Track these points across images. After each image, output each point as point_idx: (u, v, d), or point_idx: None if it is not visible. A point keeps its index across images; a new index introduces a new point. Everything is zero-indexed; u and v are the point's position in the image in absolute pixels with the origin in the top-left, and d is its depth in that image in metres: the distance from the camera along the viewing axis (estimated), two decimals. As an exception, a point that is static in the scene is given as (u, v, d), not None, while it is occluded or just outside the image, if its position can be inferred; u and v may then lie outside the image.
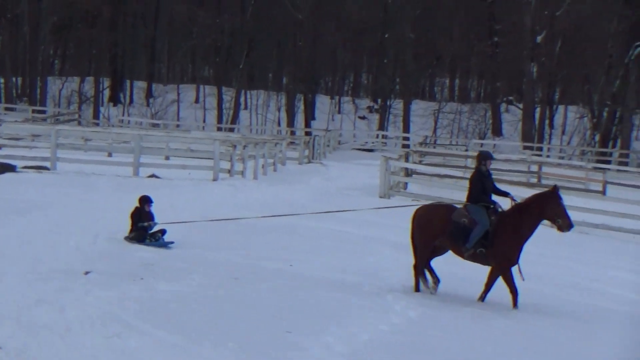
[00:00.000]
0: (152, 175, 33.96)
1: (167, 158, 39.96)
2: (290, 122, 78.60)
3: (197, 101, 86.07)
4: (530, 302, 16.62)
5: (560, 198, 15.94)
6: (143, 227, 18.36)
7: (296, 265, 18.14)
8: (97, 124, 70.54)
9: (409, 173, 41.25)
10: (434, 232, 16.30)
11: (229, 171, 35.57)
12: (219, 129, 73.28)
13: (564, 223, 15.88)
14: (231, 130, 73.09)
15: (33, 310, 12.28)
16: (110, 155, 39.88)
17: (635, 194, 44.27)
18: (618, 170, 53.89)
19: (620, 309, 16.71)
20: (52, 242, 17.78)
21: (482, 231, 15.77)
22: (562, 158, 70.02)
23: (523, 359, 12.45)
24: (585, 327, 15.28)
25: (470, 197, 16.40)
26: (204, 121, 79.54)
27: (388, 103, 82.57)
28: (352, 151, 68.77)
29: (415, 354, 11.99)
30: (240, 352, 11.11)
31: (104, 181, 30.84)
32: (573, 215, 32.97)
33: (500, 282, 15.99)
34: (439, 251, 16.75)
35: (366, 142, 75.85)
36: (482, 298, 16.17)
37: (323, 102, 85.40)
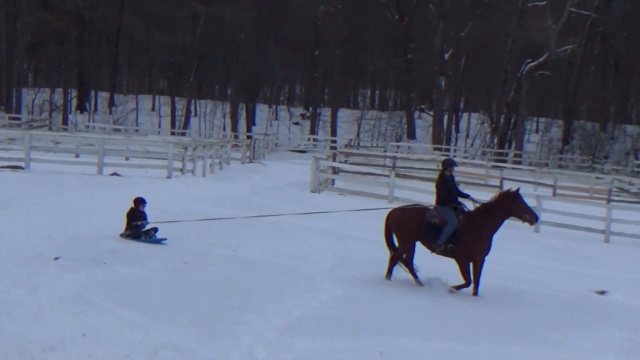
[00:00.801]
0: (114, 174, 33.62)
1: (127, 158, 39.57)
2: (234, 127, 78.45)
3: (153, 109, 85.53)
4: (443, 285, 16.77)
5: (521, 196, 16.03)
6: (137, 226, 18.07)
7: (240, 251, 18.12)
8: (66, 129, 69.62)
9: (336, 171, 41.34)
10: (411, 231, 16.24)
11: (181, 170, 35.35)
12: (173, 134, 72.75)
13: (531, 217, 16.00)
14: (183, 134, 72.64)
15: (9, 291, 12.15)
16: (77, 156, 39.40)
17: (527, 188, 44.82)
18: (513, 168, 54.54)
19: (517, 287, 16.92)
20: (27, 232, 17.57)
21: (451, 230, 15.80)
22: (467, 158, 70.55)
23: (433, 328, 12.53)
24: (488, 301, 15.47)
25: (438, 200, 16.37)
26: (159, 127, 78.97)
27: (318, 111, 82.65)
28: (288, 152, 68.75)
29: (340, 326, 12.04)
30: (191, 327, 11.09)
31: (72, 179, 30.47)
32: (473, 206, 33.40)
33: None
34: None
35: (299, 145, 75.86)
36: (475, 292, 15.94)
37: (262, 110, 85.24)
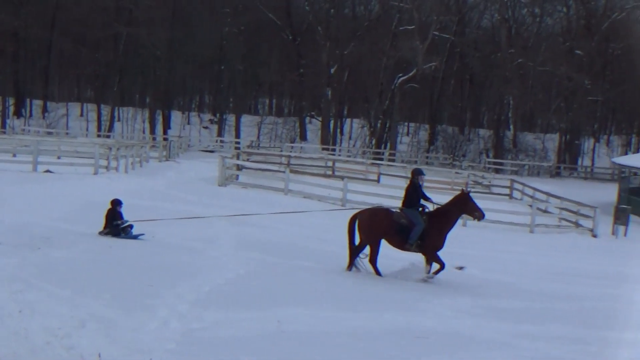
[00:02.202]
0: (47, 171, 32.89)
1: (58, 157, 38.68)
2: (152, 131, 77.53)
3: (81, 115, 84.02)
4: (330, 262, 16.89)
5: (472, 198, 16.15)
6: (117, 225, 17.52)
7: (157, 236, 17.94)
8: (4, 132, 67.64)
9: (239, 168, 41.22)
10: (381, 231, 15.83)
11: (106, 167, 34.82)
12: (99, 136, 71.39)
13: (479, 215, 16.06)
14: (108, 137, 71.29)
15: (-47, 274, 11.81)
16: (14, 155, 38.34)
17: (401, 182, 45.45)
18: (388, 165, 55.22)
19: (391, 264, 17.10)
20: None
21: (420, 230, 15.61)
22: (349, 156, 71.14)
23: (321, 299, 12.61)
24: (366, 277, 15.64)
25: (405, 203, 16.13)
26: (87, 130, 77.48)
27: (224, 117, 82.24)
28: (198, 152, 68.16)
29: (243, 299, 12.03)
30: (113, 301, 10.93)
31: (9, 175, 29.78)
32: (356, 197, 33.80)
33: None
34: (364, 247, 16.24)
35: (208, 145, 75.29)
36: (426, 279, 15.72)
37: (176, 116, 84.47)
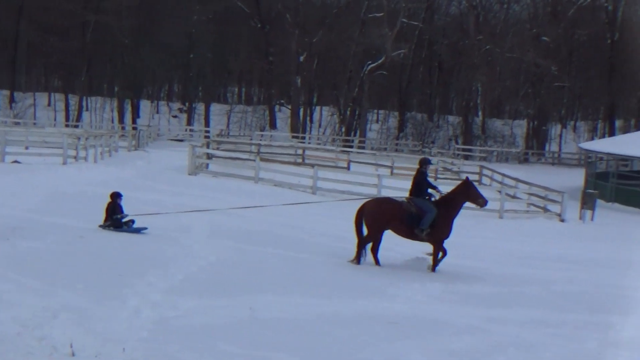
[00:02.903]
0: (15, 161, 32.58)
1: (26, 148, 38.27)
2: (121, 120, 76.96)
3: (49, 105, 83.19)
4: (302, 250, 16.91)
5: (474, 186, 16.50)
6: (118, 219, 17.29)
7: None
8: (-29, 123, 66.97)
9: (209, 157, 41.06)
10: (387, 220, 15.86)
11: (75, 157, 34.55)
12: (67, 126, 70.55)
13: (482, 201, 16.34)
14: (76, 126, 70.66)
15: None
16: (-19, 146, 37.97)
17: (369, 169, 45.67)
18: (358, 152, 55.29)
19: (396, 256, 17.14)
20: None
21: (433, 216, 15.72)
22: (319, 144, 71.20)
23: (293, 286, 12.66)
24: (337, 264, 15.67)
25: (413, 192, 16.22)
26: (55, 120, 76.68)
27: (193, 105, 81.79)
28: (168, 141, 67.67)
29: (216, 287, 12.06)
30: (85, 291, 10.90)
31: (-23, 166, 29.51)
32: (327, 185, 33.84)
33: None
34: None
35: (178, 134, 74.88)
36: (433, 269, 16.01)
37: (145, 105, 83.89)
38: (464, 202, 16.43)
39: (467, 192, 16.26)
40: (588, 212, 33.24)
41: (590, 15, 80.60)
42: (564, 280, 16.60)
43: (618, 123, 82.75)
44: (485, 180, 46.41)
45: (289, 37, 73.00)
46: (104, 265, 13.06)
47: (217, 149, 46.76)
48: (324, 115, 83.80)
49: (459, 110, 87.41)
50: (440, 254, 16.04)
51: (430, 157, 17.28)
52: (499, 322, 11.57)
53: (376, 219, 15.90)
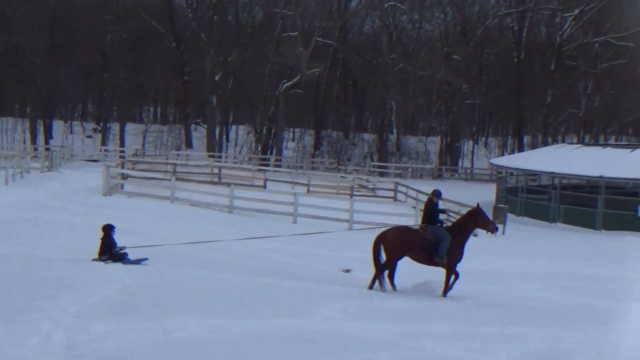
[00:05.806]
0: None
1: None
2: (34, 141, 75.18)
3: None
4: (219, 269, 16.74)
5: (484, 213, 16.88)
6: (118, 253, 16.71)
7: (38, 249, 17.41)
8: None
9: (124, 177, 40.49)
10: (408, 248, 16.16)
11: (-16, 179, 33.62)
12: (-24, 147, 68.96)
13: (492, 227, 16.96)
14: (-14, 148, 68.92)
15: None
16: None
17: (285, 187, 45.68)
18: (274, 171, 55.32)
19: (278, 269, 17.13)
20: None
21: (448, 243, 16.12)
22: (236, 163, 70.93)
23: (208, 307, 12.50)
24: (253, 282, 15.59)
25: (426, 220, 16.64)
26: (-36, 141, 74.78)
27: (108, 125, 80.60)
28: (82, 162, 66.31)
29: (130, 310, 11.80)
30: (-6, 317, 10.56)
31: None
32: (242, 204, 33.71)
33: None
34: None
35: (92, 155, 73.50)
36: (444, 294, 16.33)
37: (58, 125, 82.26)
38: (474, 228, 17.14)
39: (477, 219, 16.84)
40: (499, 227, 33.92)
41: (498, 34, 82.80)
42: (476, 294, 16.87)
43: (526, 139, 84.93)
44: (400, 196, 46.95)
45: (204, 57, 72.76)
46: (14, 289, 12.66)
47: (133, 169, 46.16)
48: (240, 134, 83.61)
49: (374, 128, 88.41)
50: (453, 277, 16.45)
51: (440, 190, 17.66)
52: (414, 337, 11.65)
53: (397, 247, 16.24)
